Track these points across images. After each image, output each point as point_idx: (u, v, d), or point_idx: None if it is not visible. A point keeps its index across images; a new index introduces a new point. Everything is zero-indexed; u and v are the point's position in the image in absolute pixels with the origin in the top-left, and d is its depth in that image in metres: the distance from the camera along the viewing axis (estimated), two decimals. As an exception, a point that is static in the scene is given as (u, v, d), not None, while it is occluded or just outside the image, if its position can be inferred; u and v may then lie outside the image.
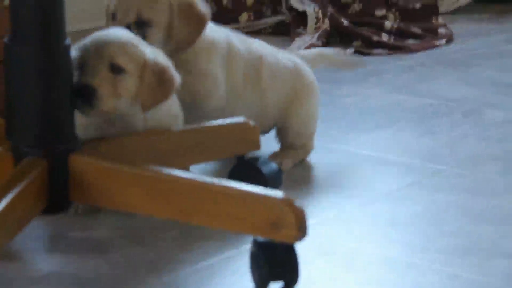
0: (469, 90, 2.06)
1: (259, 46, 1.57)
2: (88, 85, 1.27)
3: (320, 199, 1.50)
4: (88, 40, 1.31)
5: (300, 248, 1.20)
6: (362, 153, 1.69)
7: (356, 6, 2.74)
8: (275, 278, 1.16)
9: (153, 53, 1.33)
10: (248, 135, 1.44)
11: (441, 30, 2.55)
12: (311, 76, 1.63)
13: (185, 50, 1.45)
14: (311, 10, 2.58)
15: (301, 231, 1.13)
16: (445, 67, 2.26)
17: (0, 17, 1.54)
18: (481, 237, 1.34)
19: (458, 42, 2.49)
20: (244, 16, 2.67)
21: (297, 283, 1.17)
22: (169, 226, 1.36)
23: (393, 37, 2.52)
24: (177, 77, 1.34)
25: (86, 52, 1.29)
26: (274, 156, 1.60)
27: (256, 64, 1.54)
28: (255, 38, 1.62)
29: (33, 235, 1.34)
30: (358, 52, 2.41)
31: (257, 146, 1.45)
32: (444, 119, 1.87)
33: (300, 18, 2.60)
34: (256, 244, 1.17)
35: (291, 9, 2.67)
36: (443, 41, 2.48)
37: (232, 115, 1.49)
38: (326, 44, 2.47)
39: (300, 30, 2.56)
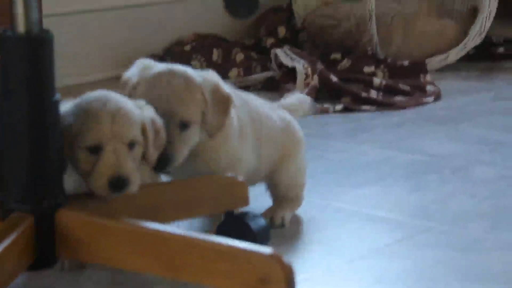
0: (457, 147, 2.07)
1: (259, 106, 1.58)
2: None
3: (308, 255, 1.49)
4: None
5: (289, 305, 1.19)
6: (351, 208, 1.69)
7: (345, 63, 2.77)
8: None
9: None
10: (237, 191, 1.44)
11: (429, 88, 2.58)
12: (300, 133, 1.65)
13: (216, 135, 1.46)
14: (300, 66, 2.60)
15: (290, 287, 1.12)
16: (433, 124, 2.27)
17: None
18: (470, 294, 1.34)
19: (446, 99, 2.51)
20: (233, 72, 2.69)
21: None
22: (158, 281, 1.35)
23: (381, 93, 2.54)
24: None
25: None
26: (270, 210, 1.61)
27: (257, 128, 1.56)
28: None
29: (19, 291, 1.32)
30: (347, 108, 2.43)
31: (245, 202, 1.45)
32: (433, 176, 1.87)
33: (290, 74, 2.62)
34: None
35: (280, 65, 2.69)
36: (431, 98, 2.50)
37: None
38: (315, 100, 2.48)
39: (289, 86, 2.57)
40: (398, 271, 1.42)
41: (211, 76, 1.48)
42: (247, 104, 1.56)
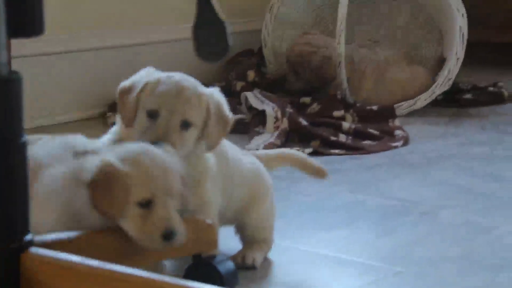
0: (425, 191, 2.08)
1: (229, 150, 1.59)
2: None
3: (277, 299, 1.48)
4: None
5: None
6: (320, 252, 1.68)
7: (315, 107, 2.78)
8: None
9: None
10: (206, 234, 1.43)
11: (398, 132, 2.60)
12: (269, 177, 1.65)
13: (214, 148, 1.49)
14: (270, 109, 2.61)
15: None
16: (402, 168, 2.28)
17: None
18: None
19: (415, 144, 2.53)
20: (204, 115, 2.69)
21: None
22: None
23: (350, 138, 2.56)
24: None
25: None
26: (240, 252, 1.60)
27: (230, 171, 1.56)
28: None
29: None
30: (316, 152, 2.44)
31: (214, 245, 1.44)
32: (402, 220, 1.88)
33: (259, 117, 2.63)
34: None
35: (250, 108, 2.70)
36: (400, 143, 2.52)
37: None
38: (284, 143, 2.49)
39: (259, 129, 2.58)
40: (366, 315, 1.41)
41: (219, 94, 1.51)
42: (220, 146, 1.56)
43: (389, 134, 2.59)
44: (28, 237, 1.24)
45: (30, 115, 2.66)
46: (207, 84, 1.51)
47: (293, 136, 2.55)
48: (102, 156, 1.31)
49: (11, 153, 1.20)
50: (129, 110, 1.44)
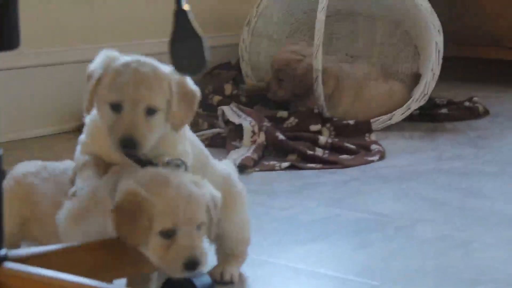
0: (401, 206, 2.09)
1: (204, 150, 1.58)
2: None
3: (253, 313, 1.48)
4: None
5: None
6: (296, 266, 1.68)
7: (292, 121, 2.79)
8: None
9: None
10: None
11: (374, 147, 2.61)
12: (240, 186, 1.64)
13: (180, 128, 1.46)
14: (247, 123, 2.61)
15: None
16: (378, 183, 2.29)
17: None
18: None
19: (390, 158, 2.54)
20: (180, 128, 2.68)
21: None
22: None
23: (327, 152, 2.56)
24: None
25: None
26: (218, 267, 1.59)
27: (202, 172, 1.54)
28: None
29: None
30: (293, 166, 2.44)
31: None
32: (377, 234, 1.88)
33: (237, 131, 2.63)
34: None
35: (227, 122, 2.70)
36: (376, 157, 2.53)
37: None
38: (261, 157, 2.49)
39: (236, 143, 2.58)
40: (342, 330, 1.41)
41: None
42: (194, 146, 1.55)
43: (366, 149, 2.60)
44: (2, 252, 1.23)
45: (2, 130, 2.65)
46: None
47: (270, 150, 2.55)
48: (128, 182, 1.31)
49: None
50: (86, 99, 1.43)
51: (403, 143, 2.72)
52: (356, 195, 2.18)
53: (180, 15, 1.35)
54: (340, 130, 2.75)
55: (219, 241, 1.62)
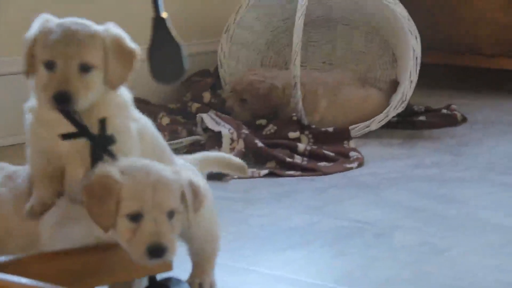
0: (380, 213, 2.09)
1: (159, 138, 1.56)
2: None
3: (232, 321, 1.47)
4: None
5: None
6: (275, 274, 1.68)
7: (271, 128, 2.79)
8: None
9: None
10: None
11: (353, 154, 2.61)
12: (205, 182, 1.61)
13: (118, 87, 1.43)
14: (226, 131, 2.61)
15: None
16: (356, 190, 2.30)
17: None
18: None
19: (369, 165, 2.54)
20: (159, 136, 2.68)
21: None
22: None
23: (306, 159, 2.57)
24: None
25: None
26: (195, 276, 1.58)
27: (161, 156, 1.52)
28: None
29: None
30: (272, 173, 2.44)
31: (169, 267, 1.43)
32: (356, 241, 1.89)
33: (215, 139, 2.62)
34: None
35: (206, 129, 2.70)
36: (355, 164, 2.53)
37: None
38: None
39: (215, 150, 2.58)
40: (321, 337, 1.41)
41: (115, 28, 1.45)
42: (157, 141, 1.53)
43: (344, 156, 2.60)
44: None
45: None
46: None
47: (249, 158, 2.55)
48: (105, 166, 1.31)
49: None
50: (23, 63, 1.41)
51: (382, 150, 2.72)
52: (335, 202, 2.18)
53: (158, 23, 1.35)
54: (319, 137, 2.76)
55: (191, 241, 1.58)
